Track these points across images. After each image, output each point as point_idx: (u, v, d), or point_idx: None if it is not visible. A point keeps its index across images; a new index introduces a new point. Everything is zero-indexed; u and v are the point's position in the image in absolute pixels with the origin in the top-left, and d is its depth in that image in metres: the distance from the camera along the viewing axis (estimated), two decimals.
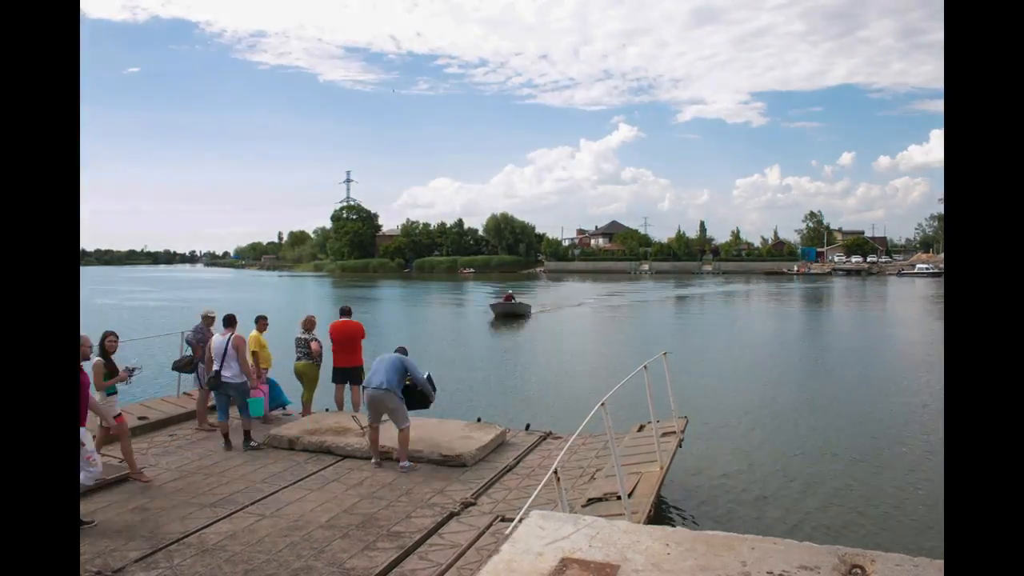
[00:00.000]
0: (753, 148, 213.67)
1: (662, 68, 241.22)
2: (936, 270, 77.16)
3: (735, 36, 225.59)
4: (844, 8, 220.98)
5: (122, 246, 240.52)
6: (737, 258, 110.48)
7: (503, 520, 6.08)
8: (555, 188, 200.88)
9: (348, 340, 10.20)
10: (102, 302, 48.00)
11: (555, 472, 4.18)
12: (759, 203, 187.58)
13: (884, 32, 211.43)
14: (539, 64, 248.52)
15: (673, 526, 3.38)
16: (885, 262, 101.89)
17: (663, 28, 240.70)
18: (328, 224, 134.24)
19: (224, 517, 6.22)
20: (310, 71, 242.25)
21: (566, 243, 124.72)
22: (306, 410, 10.33)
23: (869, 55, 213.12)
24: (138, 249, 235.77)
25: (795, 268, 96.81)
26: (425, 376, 8.12)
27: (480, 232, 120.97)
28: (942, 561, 2.34)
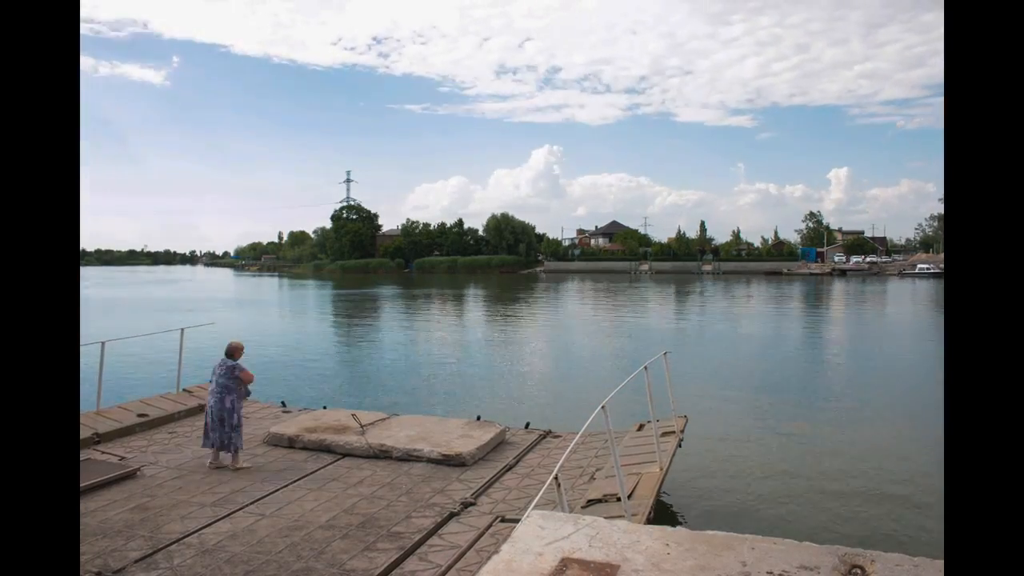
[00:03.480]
0: (749, 152, 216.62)
1: (652, 92, 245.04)
2: (937, 270, 76.94)
3: (712, 64, 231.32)
4: (805, 38, 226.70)
5: (122, 246, 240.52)
6: (737, 258, 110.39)
7: (503, 521, 6.08)
8: (551, 189, 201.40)
9: None
10: None
11: (555, 478, 4.19)
12: (757, 204, 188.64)
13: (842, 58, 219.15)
14: (520, 86, 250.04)
15: (673, 526, 3.38)
16: (885, 262, 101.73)
17: (637, 58, 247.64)
18: (328, 224, 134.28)
19: (224, 517, 6.22)
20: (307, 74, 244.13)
21: (566, 243, 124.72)
22: None
23: (845, 78, 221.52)
24: (138, 249, 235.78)
25: (795, 267, 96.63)
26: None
27: (480, 232, 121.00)
28: (942, 561, 2.34)
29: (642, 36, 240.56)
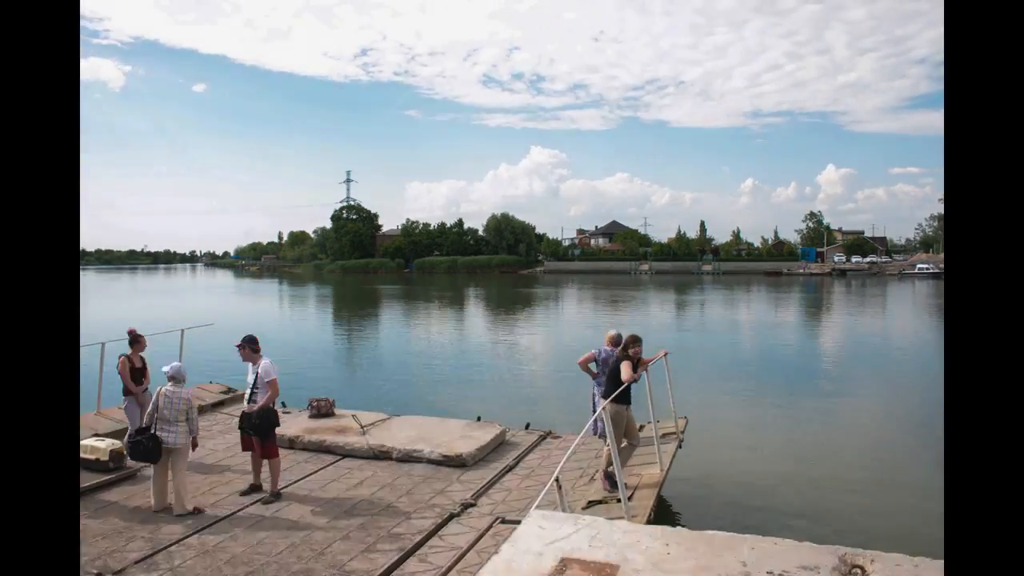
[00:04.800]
0: (746, 154, 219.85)
1: (646, 98, 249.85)
2: (937, 270, 76.72)
3: (703, 73, 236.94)
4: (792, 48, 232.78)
5: (122, 246, 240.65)
6: (737, 258, 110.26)
7: (503, 522, 6.08)
8: (550, 190, 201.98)
9: None
10: None
11: (556, 480, 4.19)
12: (755, 205, 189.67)
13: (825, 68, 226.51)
14: (512, 95, 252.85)
15: (673, 527, 3.37)
16: (885, 262, 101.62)
17: (628, 66, 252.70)
18: (328, 224, 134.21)
19: (224, 517, 6.22)
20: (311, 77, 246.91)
21: (566, 243, 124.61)
22: None
23: (832, 87, 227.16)
24: (138, 249, 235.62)
25: (795, 268, 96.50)
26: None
27: (480, 232, 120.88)
28: (942, 561, 2.34)
29: (629, 45, 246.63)
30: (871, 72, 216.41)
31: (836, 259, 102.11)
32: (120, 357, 7.99)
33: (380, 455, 8.11)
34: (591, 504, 6.39)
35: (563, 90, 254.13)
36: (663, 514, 7.72)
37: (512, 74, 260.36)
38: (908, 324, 33.00)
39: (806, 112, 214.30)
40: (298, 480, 7.33)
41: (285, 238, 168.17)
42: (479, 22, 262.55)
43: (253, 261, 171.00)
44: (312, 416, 9.54)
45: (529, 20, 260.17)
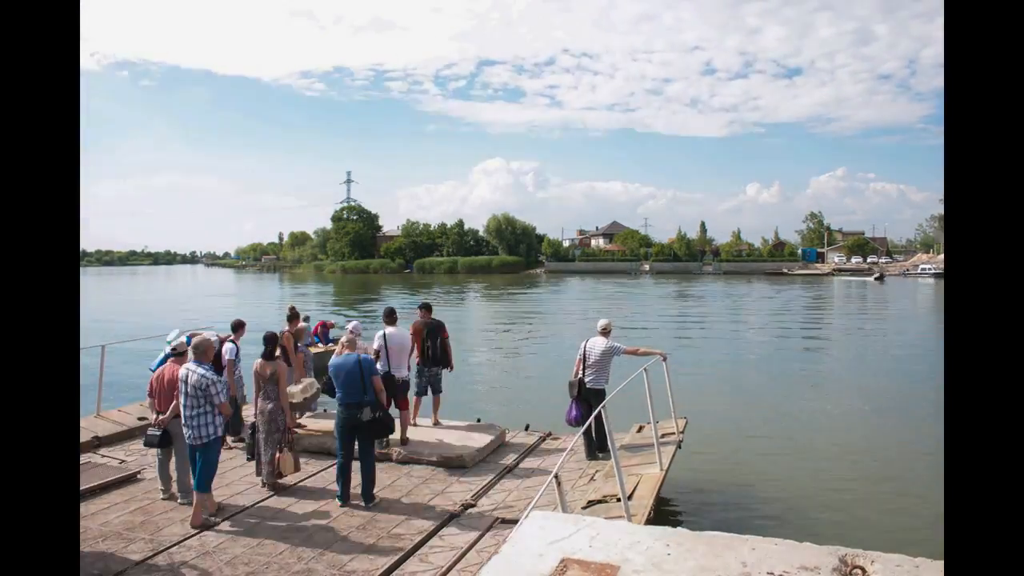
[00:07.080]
0: (743, 157, 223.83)
1: (641, 109, 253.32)
2: (938, 270, 76.60)
3: (687, 85, 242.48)
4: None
5: (122, 247, 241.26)
6: (738, 259, 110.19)
7: (503, 522, 6.08)
8: (547, 193, 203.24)
9: None
10: None
11: (556, 477, 4.18)
12: (754, 206, 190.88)
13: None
14: (503, 102, 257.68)
15: (673, 527, 3.37)
16: (886, 263, 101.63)
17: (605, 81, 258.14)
18: (328, 225, 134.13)
19: (225, 519, 6.22)
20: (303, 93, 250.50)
21: (566, 243, 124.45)
22: None
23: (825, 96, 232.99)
24: (138, 249, 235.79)
25: (796, 268, 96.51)
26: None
27: (481, 233, 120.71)
28: (942, 561, 2.34)
29: (605, 60, 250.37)
30: (848, 85, 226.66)
31: (836, 259, 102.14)
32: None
33: (380, 456, 8.10)
34: (591, 504, 6.38)
35: (548, 103, 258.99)
36: (663, 514, 7.71)
37: (496, 86, 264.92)
38: (908, 323, 32.99)
39: (797, 119, 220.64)
40: (299, 481, 7.33)
41: (285, 239, 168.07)
42: (446, 42, 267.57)
43: (253, 262, 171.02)
44: (312, 417, 9.53)
45: (495, 38, 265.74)
